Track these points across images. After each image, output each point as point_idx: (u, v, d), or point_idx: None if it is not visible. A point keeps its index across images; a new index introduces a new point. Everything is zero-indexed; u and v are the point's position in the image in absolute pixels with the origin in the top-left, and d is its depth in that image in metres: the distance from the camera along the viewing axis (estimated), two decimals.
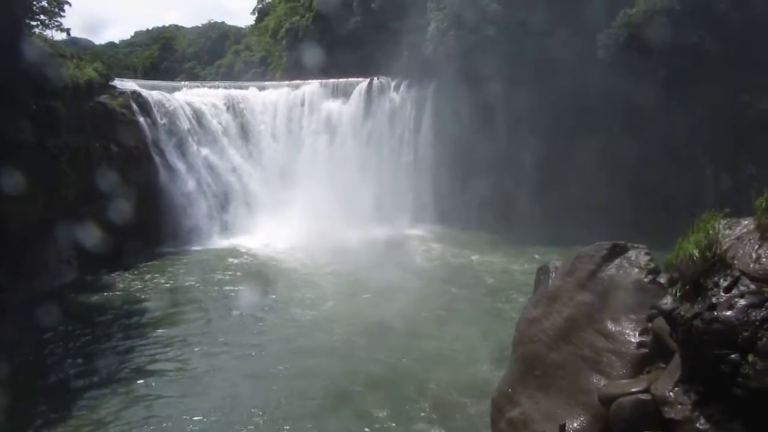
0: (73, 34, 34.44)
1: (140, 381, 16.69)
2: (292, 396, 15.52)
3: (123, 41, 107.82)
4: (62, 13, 31.09)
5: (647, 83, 30.17)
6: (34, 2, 29.40)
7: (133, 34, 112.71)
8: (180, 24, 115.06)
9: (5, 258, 22.85)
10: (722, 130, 30.69)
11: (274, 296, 24.19)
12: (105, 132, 29.65)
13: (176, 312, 22.29)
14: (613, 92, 30.44)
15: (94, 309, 22.65)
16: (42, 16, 30.03)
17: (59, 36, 32.48)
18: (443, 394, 15.25)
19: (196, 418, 14.56)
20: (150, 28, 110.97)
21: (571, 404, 8.60)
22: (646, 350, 8.34)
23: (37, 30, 29.59)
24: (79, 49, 41.03)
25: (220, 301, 23.81)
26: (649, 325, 8.46)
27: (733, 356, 5.96)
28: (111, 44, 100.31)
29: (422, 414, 14.34)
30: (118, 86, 32.91)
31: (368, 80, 40.64)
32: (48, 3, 30.27)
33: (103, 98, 30.81)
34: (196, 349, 18.92)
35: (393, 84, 40.54)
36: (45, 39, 29.78)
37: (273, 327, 20.76)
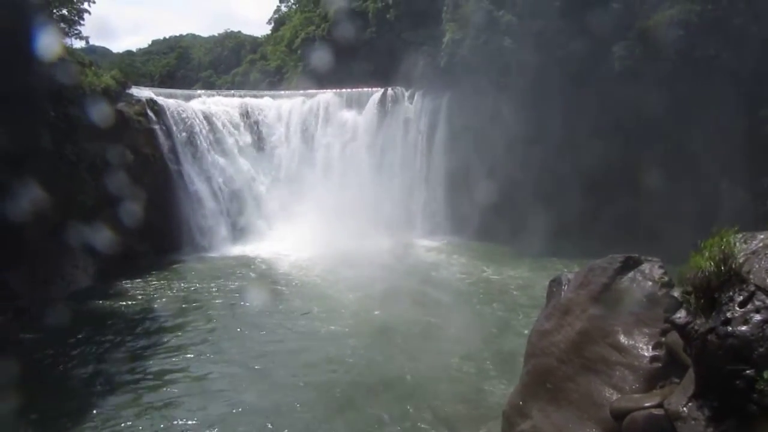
0: (91, 42, 34.96)
1: (151, 387, 16.78)
2: (301, 406, 15.49)
3: (140, 49, 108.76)
4: (81, 22, 31.59)
5: (663, 95, 30.01)
6: (54, 11, 29.81)
7: (150, 42, 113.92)
8: (197, 33, 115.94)
9: (22, 264, 23.09)
10: (738, 143, 30.38)
11: (287, 307, 24.11)
12: (121, 139, 29.90)
13: (188, 320, 22.37)
14: (628, 103, 30.32)
15: (108, 315, 22.79)
16: (62, 24, 30.45)
17: (78, 44, 32.99)
18: (457, 409, 15.16)
19: (204, 423, 14.63)
20: (167, 37, 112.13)
21: (582, 418, 8.53)
22: (660, 364, 8.26)
23: (56, 38, 29.95)
24: (97, 56, 41.57)
25: (233, 309, 23.84)
26: (663, 339, 8.39)
27: (748, 372, 5.90)
28: (128, 52, 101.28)
29: (433, 429, 14.25)
30: (134, 94, 33.24)
31: (383, 90, 40.80)
32: (68, 11, 30.72)
33: (120, 106, 31.12)
34: (206, 356, 19.01)
35: (407, 94, 40.66)
36: (64, 47, 30.18)
37: (285, 338, 20.65)
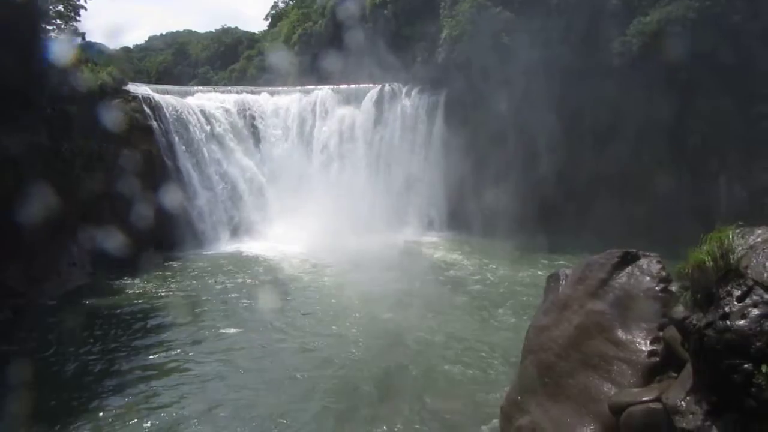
0: (88, 38, 34.79)
1: (150, 387, 16.58)
2: (298, 408, 15.31)
3: (137, 46, 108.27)
4: (78, 18, 31.39)
5: (660, 92, 30.11)
6: (51, 7, 29.66)
7: (147, 39, 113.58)
8: (194, 29, 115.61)
9: (19, 262, 23.03)
10: (736, 139, 30.50)
11: (288, 306, 23.69)
12: (118, 136, 29.80)
13: (186, 318, 22.03)
14: (626, 100, 30.39)
15: (105, 313, 22.62)
16: (58, 21, 30.29)
17: (75, 40, 32.70)
18: (457, 409, 15.08)
19: (201, 422, 14.60)
20: (164, 33, 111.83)
21: (581, 413, 8.54)
22: (657, 359, 8.27)
23: (53, 34, 29.83)
24: (94, 53, 41.37)
25: (231, 308, 23.59)
26: (661, 334, 8.40)
27: (746, 366, 5.90)
28: (125, 49, 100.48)
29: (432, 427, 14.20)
30: (131, 90, 33.13)
31: (380, 86, 40.77)
32: (64, 7, 30.53)
33: (117, 102, 30.99)
34: (204, 356, 18.73)
35: (404, 90, 40.64)
36: (61, 43, 29.98)
37: (286, 339, 20.24)
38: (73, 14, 31.13)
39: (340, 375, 17.28)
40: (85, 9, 31.44)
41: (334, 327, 21.15)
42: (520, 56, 32.63)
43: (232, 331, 20.98)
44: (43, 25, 28.54)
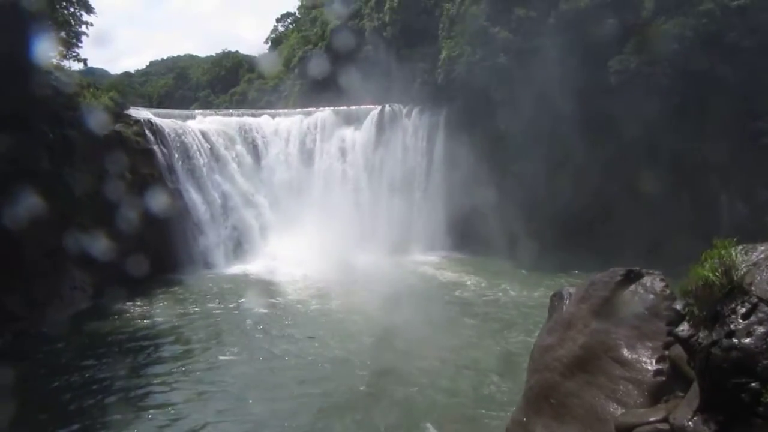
0: (89, 64, 35.10)
1: (153, 415, 16.45)
2: None
3: (138, 71, 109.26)
4: (79, 44, 31.71)
5: (659, 109, 30.17)
6: (52, 33, 29.92)
7: (148, 63, 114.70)
8: (194, 54, 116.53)
9: (20, 286, 22.97)
10: (736, 156, 30.50)
11: (292, 331, 23.46)
12: (120, 160, 29.88)
13: (189, 344, 22.03)
14: (625, 118, 30.41)
15: (108, 338, 22.51)
16: (60, 47, 30.55)
17: (76, 66, 33.04)
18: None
19: None
20: (165, 58, 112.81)
21: None
22: (664, 378, 8.19)
23: (54, 60, 30.08)
24: (96, 78, 41.70)
25: (234, 331, 23.49)
26: (666, 352, 8.32)
27: (753, 385, 5.83)
28: (126, 74, 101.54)
29: None
30: (132, 115, 33.29)
31: (380, 107, 40.95)
32: (66, 34, 30.84)
33: (118, 126, 31.14)
34: (208, 384, 18.61)
35: (405, 111, 40.82)
36: (62, 69, 30.26)
37: (290, 365, 20.05)
38: (75, 41, 31.45)
39: (344, 401, 17.14)
40: (87, 35, 31.79)
41: (339, 352, 20.96)
42: (518, 76, 32.80)
43: (237, 357, 20.78)
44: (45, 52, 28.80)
